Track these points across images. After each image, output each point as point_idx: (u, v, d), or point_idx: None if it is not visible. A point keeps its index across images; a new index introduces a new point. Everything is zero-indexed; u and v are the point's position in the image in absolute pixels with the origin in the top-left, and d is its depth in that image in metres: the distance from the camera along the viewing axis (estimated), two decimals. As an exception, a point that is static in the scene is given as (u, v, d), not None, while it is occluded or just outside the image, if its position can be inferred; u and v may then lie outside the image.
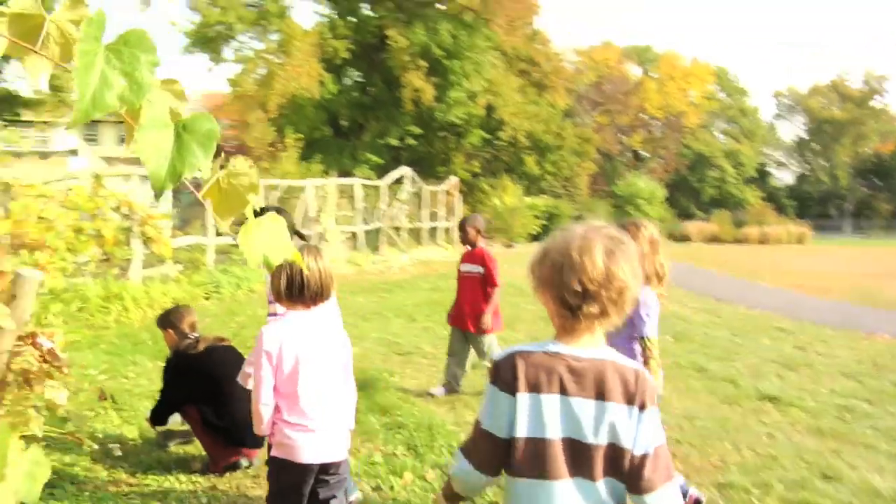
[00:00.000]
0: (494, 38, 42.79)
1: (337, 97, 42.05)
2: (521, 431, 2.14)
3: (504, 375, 2.17)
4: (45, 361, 4.26)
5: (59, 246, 9.40)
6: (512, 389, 2.15)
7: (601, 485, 2.13)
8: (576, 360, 2.15)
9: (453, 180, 33.01)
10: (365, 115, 43.05)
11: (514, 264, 22.28)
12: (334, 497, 3.68)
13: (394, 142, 44.20)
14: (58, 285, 9.67)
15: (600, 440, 2.11)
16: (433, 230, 29.15)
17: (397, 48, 40.06)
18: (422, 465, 5.46)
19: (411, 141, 45.72)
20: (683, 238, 45.20)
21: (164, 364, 5.65)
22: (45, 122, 32.90)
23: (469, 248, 7.62)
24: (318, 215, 20.86)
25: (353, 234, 22.74)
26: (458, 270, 7.69)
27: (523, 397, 2.14)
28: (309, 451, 3.50)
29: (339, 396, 3.64)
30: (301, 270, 3.46)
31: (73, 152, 42.10)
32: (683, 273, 19.76)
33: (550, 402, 2.13)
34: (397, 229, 25.95)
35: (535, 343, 2.23)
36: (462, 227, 7.70)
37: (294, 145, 33.02)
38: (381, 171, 31.88)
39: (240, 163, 1.53)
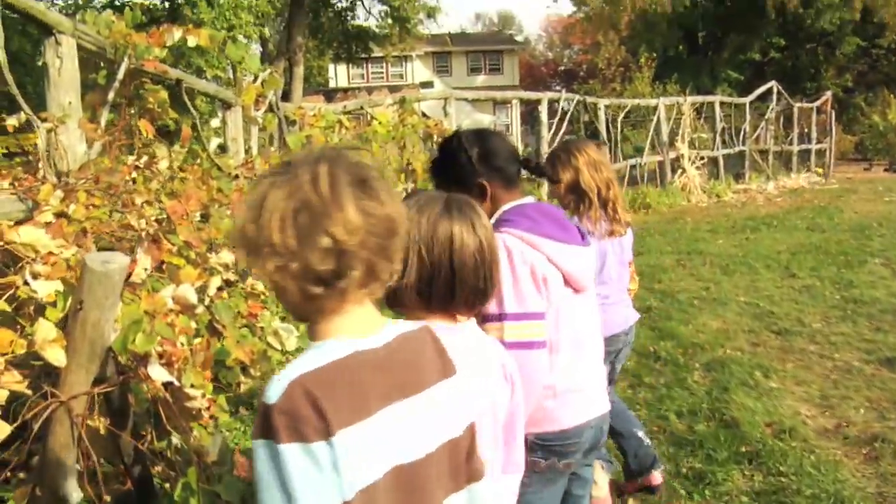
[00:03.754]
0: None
1: (691, 10, 38.88)
2: (355, 485, 1.35)
3: (302, 417, 1.32)
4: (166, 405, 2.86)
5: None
6: (325, 433, 1.33)
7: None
8: (374, 352, 1.46)
9: (827, 95, 29.04)
10: (724, 27, 39.53)
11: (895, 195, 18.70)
12: None
13: (756, 56, 40.61)
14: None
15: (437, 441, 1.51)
16: (804, 153, 25.74)
17: (760, -51, 35.99)
18: None
19: (775, 54, 41.59)
20: None
21: None
22: (396, 57, 33.49)
23: None
24: (672, 138, 18.67)
25: (712, 160, 20.22)
26: None
27: (343, 437, 1.34)
28: None
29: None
30: (448, 249, 1.83)
31: (428, 84, 42.75)
32: None
33: (376, 425, 1.40)
34: (763, 153, 23.03)
35: (308, 353, 1.44)
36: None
37: (647, 65, 31.19)
38: (742, 89, 28.88)
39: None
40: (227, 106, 6.83)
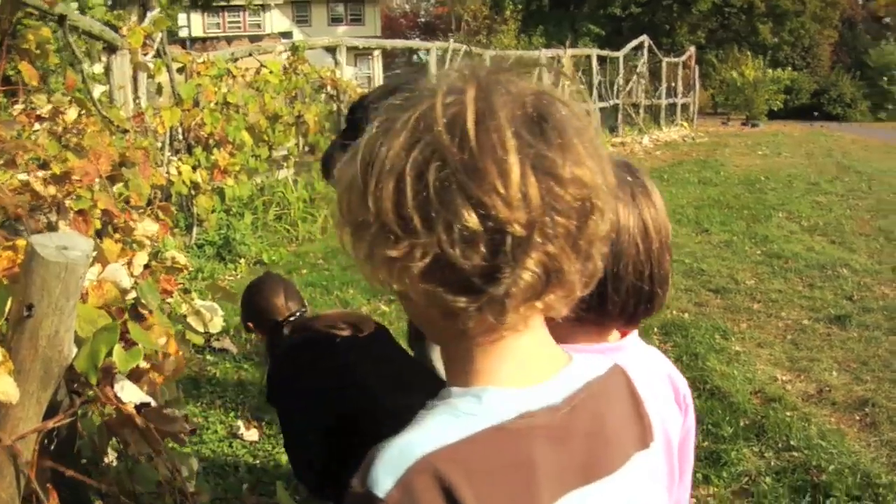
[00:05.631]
0: None
1: (555, -37, 39.03)
2: None
3: None
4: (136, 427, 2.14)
5: (245, 139, 7.46)
6: None
7: None
8: (551, 413, 0.86)
9: (690, 51, 29.55)
10: (586, -19, 39.85)
11: (766, 148, 19.11)
12: None
13: (616, 11, 40.97)
14: (246, 192, 7.83)
15: None
16: (671, 107, 26.07)
17: None
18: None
19: (635, 9, 42.24)
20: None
21: (266, 385, 2.65)
22: (255, 6, 32.12)
23: None
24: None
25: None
26: None
27: None
28: None
29: None
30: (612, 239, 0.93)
31: (287, 35, 41.25)
32: None
33: None
34: (635, 107, 23.13)
35: (443, 410, 0.85)
36: None
37: (512, 17, 30.98)
38: (603, 43, 29.00)
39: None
40: (111, 49, 5.96)
